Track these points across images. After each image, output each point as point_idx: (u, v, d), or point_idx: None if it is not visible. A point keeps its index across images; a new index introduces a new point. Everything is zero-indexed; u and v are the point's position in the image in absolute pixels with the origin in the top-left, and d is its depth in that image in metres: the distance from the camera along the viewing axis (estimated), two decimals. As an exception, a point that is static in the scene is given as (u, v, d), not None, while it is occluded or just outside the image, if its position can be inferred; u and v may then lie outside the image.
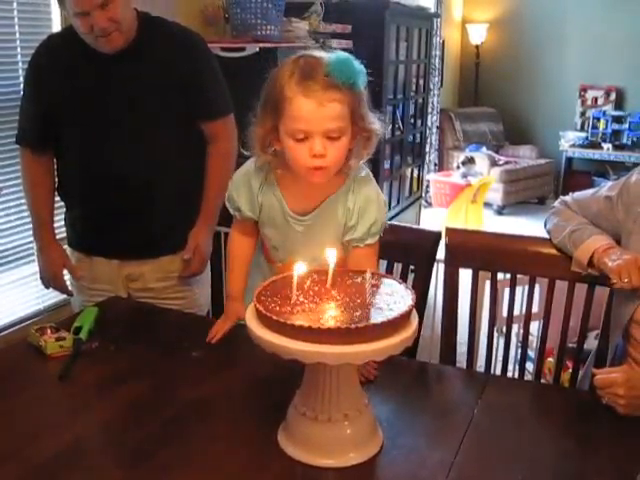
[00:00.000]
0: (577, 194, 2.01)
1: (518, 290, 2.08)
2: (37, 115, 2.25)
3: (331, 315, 1.24)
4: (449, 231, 2.08)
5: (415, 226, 4.12)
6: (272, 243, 1.78)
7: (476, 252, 2.04)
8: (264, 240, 1.82)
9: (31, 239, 2.91)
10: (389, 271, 2.09)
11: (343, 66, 1.50)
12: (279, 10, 3.53)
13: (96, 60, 2.12)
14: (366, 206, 1.67)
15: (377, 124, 1.60)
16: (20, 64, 2.83)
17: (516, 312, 2.11)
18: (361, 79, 1.54)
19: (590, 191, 1.99)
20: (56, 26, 2.96)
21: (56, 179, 2.36)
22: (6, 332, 2.84)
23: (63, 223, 2.46)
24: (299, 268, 1.33)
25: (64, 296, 2.57)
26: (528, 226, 6.92)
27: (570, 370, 2.08)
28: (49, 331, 1.79)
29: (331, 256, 1.36)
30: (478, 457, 1.38)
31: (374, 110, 1.61)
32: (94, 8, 1.99)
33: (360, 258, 1.66)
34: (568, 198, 2.01)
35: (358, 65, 1.54)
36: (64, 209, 2.43)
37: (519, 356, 2.11)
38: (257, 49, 3.34)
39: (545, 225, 2.01)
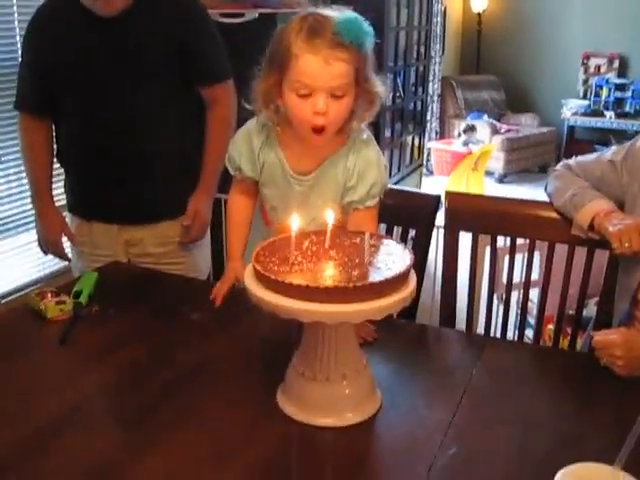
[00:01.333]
0: (580, 158, 1.99)
1: (518, 257, 2.08)
2: (35, 79, 2.23)
3: (329, 274, 1.24)
4: (449, 195, 2.07)
5: (414, 190, 4.11)
6: (271, 203, 1.78)
7: (476, 216, 2.04)
8: (263, 201, 1.81)
9: (31, 206, 2.92)
10: (389, 234, 2.09)
11: (351, 25, 1.50)
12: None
13: (94, 23, 2.10)
14: (366, 167, 1.67)
15: (381, 87, 1.60)
16: (17, 30, 2.82)
17: (516, 279, 2.10)
18: (368, 40, 1.54)
19: (593, 155, 1.98)
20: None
21: (55, 145, 2.36)
22: (7, 299, 2.86)
23: (62, 190, 2.46)
24: (294, 222, 1.33)
25: (65, 263, 2.58)
26: (529, 195, 6.82)
27: (569, 337, 2.08)
28: (49, 295, 1.79)
29: (330, 217, 1.36)
30: (476, 417, 1.39)
31: (379, 73, 1.61)
32: None
33: (360, 220, 1.66)
34: (571, 161, 1.99)
35: (366, 26, 1.53)
36: (63, 176, 2.43)
37: (519, 322, 2.11)
38: (256, 15, 3.31)
39: (546, 188, 2.00)
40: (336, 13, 1.53)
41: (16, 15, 2.82)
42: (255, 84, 1.61)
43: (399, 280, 1.23)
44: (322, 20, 1.51)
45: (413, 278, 1.29)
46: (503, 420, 1.38)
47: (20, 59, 2.34)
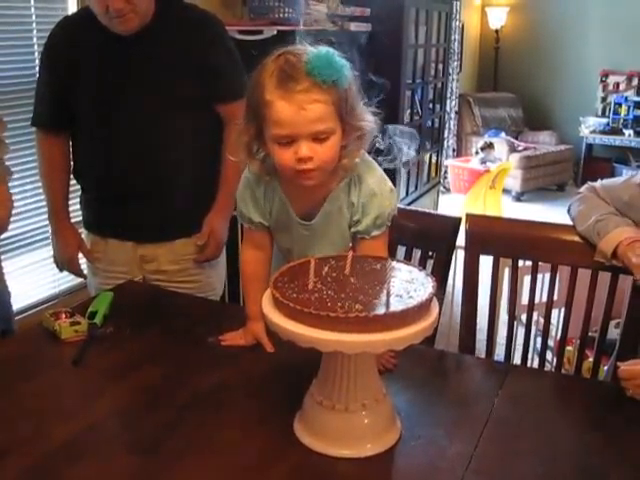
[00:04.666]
0: (606, 181, 1.95)
1: (538, 277, 2.05)
2: (52, 96, 2.23)
3: (349, 303, 1.20)
4: (469, 217, 2.05)
5: (435, 212, 4.09)
6: (285, 246, 1.72)
7: (497, 239, 2.01)
8: (278, 245, 1.75)
9: (47, 222, 2.90)
10: (408, 257, 2.06)
11: (323, 63, 1.41)
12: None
13: (112, 41, 2.10)
14: (369, 199, 1.59)
15: (369, 120, 1.52)
16: (36, 47, 2.82)
17: (536, 300, 2.07)
18: (344, 75, 1.44)
19: (620, 179, 1.94)
20: (72, 8, 2.94)
21: (71, 161, 2.35)
22: (22, 316, 2.84)
23: (79, 206, 2.45)
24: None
25: (80, 280, 2.57)
26: (547, 213, 6.86)
27: (590, 359, 2.04)
28: (64, 316, 1.78)
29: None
30: (498, 449, 1.35)
31: (368, 103, 1.53)
32: None
33: (367, 250, 1.58)
34: (597, 184, 1.95)
35: (340, 60, 1.45)
36: (79, 192, 2.41)
37: (537, 345, 2.08)
38: (275, 32, 3.31)
39: (569, 210, 1.97)
40: (310, 49, 1.46)
41: (35, 32, 2.82)
42: (236, 136, 1.56)
43: (421, 309, 1.20)
44: (294, 61, 1.44)
45: (435, 306, 1.26)
46: (526, 453, 1.34)
47: (38, 75, 2.32)
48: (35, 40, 2.83)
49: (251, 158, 1.56)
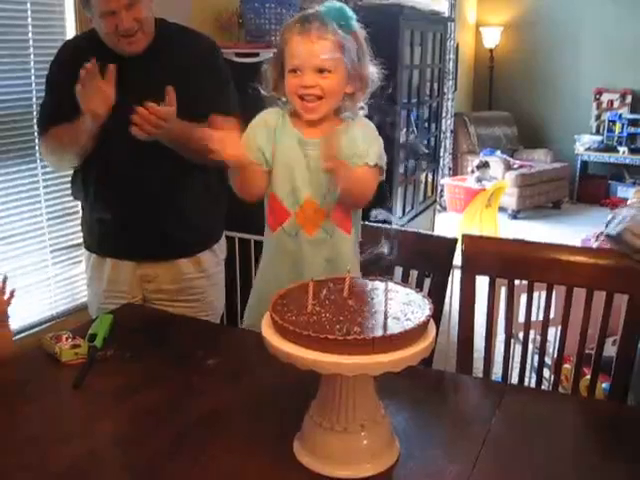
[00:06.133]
0: None
1: (534, 295, 2.06)
2: (58, 118, 2.22)
3: (348, 325, 1.22)
4: (466, 238, 2.06)
5: (431, 233, 4.10)
6: (286, 190, 1.85)
7: (493, 259, 2.02)
8: (276, 194, 1.86)
9: (44, 245, 2.94)
10: (405, 278, 2.08)
11: (335, 10, 1.75)
12: (293, 16, 3.53)
13: (111, 62, 2.11)
14: (367, 133, 1.84)
15: (373, 71, 1.82)
16: (33, 70, 2.84)
17: (532, 318, 2.08)
18: (351, 22, 1.77)
19: None
20: (70, 34, 2.96)
21: (72, 183, 2.37)
22: (18, 337, 2.84)
23: (79, 227, 2.46)
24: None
25: (77, 302, 2.55)
26: (543, 230, 6.89)
27: (588, 377, 2.05)
28: (64, 338, 1.78)
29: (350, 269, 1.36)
30: (496, 469, 1.36)
31: (375, 62, 1.83)
32: (120, 8, 2.02)
33: (361, 173, 1.80)
34: None
35: (349, 11, 1.78)
36: (80, 214, 2.42)
37: (535, 363, 2.08)
38: (271, 54, 3.32)
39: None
40: (324, 3, 1.78)
41: (32, 56, 2.84)
42: (265, 70, 1.87)
43: (418, 331, 1.22)
44: (312, 12, 1.77)
45: (433, 328, 1.27)
46: (523, 473, 1.35)
47: (45, 92, 2.32)
48: (32, 64, 2.84)
49: (275, 90, 1.86)
